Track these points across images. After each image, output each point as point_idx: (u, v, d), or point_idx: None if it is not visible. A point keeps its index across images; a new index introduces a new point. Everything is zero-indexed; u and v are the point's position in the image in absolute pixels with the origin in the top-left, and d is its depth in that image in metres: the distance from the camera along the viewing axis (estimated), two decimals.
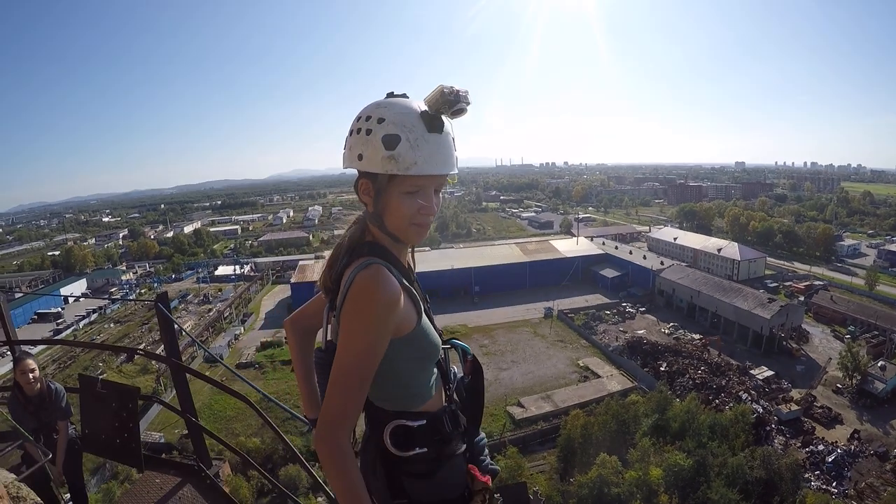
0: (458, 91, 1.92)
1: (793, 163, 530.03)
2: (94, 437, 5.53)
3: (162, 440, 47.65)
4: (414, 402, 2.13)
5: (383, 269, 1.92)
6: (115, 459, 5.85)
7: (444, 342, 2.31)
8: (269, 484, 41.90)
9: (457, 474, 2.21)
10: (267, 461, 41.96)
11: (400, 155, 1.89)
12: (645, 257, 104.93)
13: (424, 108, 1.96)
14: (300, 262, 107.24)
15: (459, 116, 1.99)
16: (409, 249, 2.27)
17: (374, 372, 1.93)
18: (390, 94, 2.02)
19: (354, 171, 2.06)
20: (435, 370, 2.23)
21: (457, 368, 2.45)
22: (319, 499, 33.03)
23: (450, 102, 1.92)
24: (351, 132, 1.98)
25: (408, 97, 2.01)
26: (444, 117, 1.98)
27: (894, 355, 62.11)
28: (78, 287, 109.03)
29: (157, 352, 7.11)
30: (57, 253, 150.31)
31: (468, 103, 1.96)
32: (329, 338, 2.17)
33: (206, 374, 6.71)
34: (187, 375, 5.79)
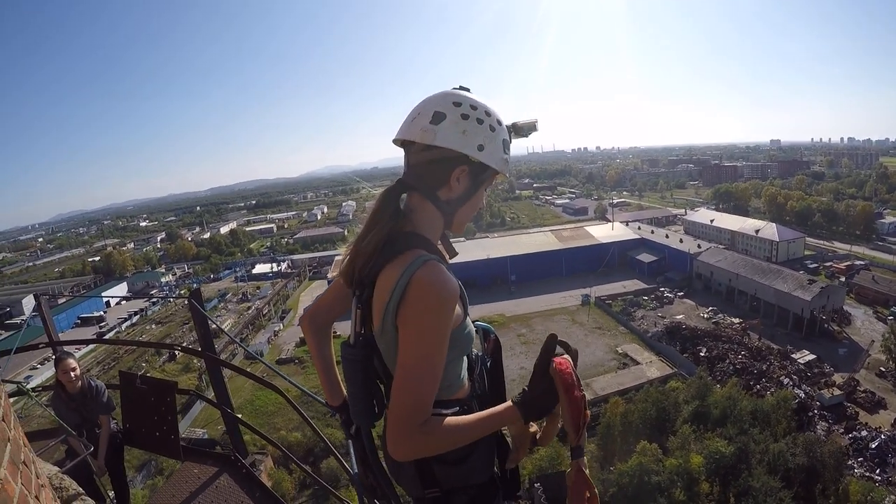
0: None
1: (829, 139, 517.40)
2: (134, 430, 5.72)
3: (205, 436, 47.95)
4: (448, 391, 2.15)
5: (442, 267, 1.93)
6: (154, 451, 6.04)
7: None
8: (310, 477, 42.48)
9: (486, 458, 2.26)
10: (308, 455, 42.31)
11: (509, 159, 2.12)
12: (681, 241, 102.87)
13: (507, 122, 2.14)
14: (336, 258, 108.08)
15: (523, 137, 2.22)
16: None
17: (443, 369, 1.93)
18: (462, 87, 2.10)
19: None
20: (465, 358, 2.27)
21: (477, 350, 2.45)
22: None
23: (531, 130, 2.18)
24: (465, 116, 2.02)
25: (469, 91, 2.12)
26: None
27: None
28: (119, 291, 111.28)
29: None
30: (97, 259, 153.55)
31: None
32: (357, 329, 2.16)
33: (248, 370, 6.87)
34: (225, 371, 5.95)
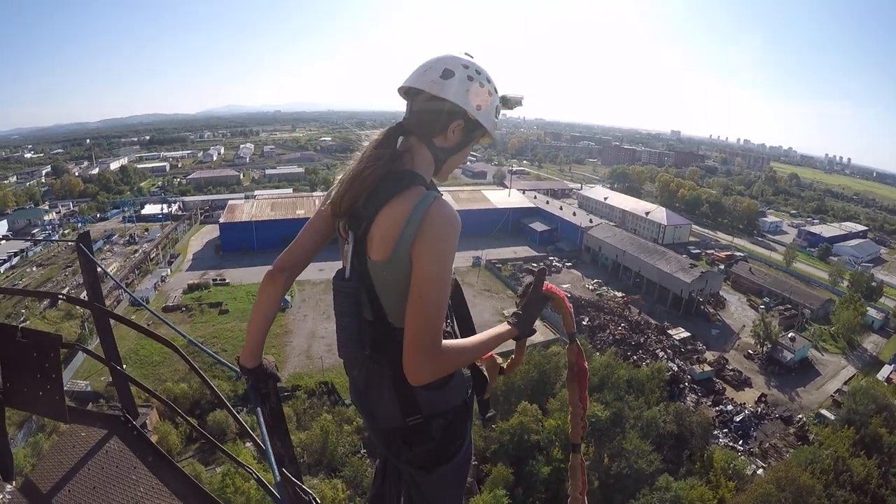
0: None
1: (726, 138, 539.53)
2: (16, 390, 4.80)
3: (88, 388, 45.64)
4: None
5: (448, 203, 2.12)
6: (38, 413, 5.28)
7: None
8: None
9: (462, 382, 2.48)
10: (195, 407, 41.18)
11: (497, 122, 2.37)
12: (574, 214, 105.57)
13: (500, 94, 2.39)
14: (230, 202, 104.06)
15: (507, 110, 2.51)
16: None
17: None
18: (467, 54, 2.31)
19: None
20: None
21: None
22: (248, 444, 32.18)
23: (517, 104, 2.48)
24: (471, 78, 2.23)
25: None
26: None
27: (804, 328, 65.14)
28: None
29: (80, 296, 6.31)
30: None
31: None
32: (347, 264, 2.27)
33: (132, 318, 5.97)
34: (112, 321, 5.11)
